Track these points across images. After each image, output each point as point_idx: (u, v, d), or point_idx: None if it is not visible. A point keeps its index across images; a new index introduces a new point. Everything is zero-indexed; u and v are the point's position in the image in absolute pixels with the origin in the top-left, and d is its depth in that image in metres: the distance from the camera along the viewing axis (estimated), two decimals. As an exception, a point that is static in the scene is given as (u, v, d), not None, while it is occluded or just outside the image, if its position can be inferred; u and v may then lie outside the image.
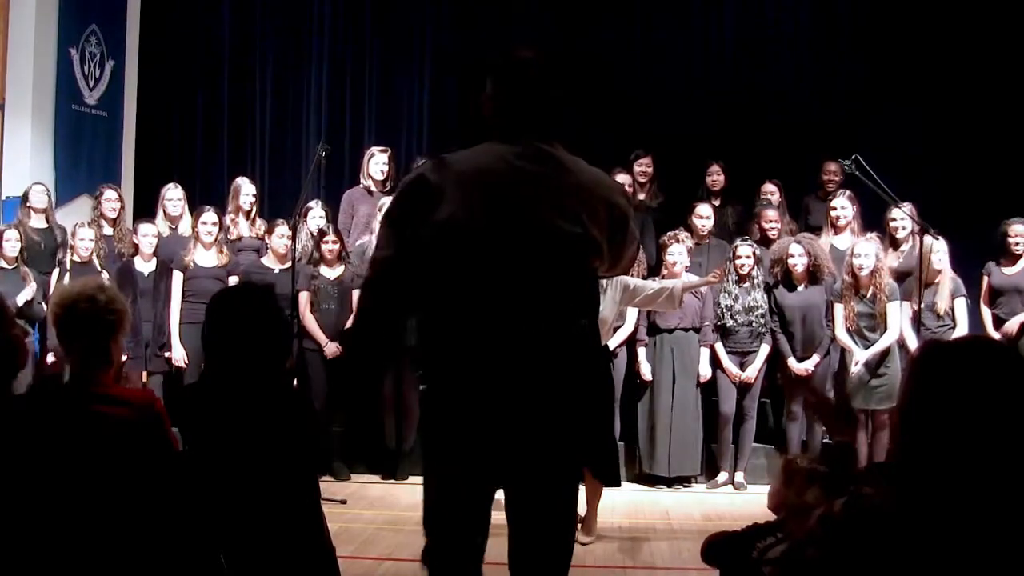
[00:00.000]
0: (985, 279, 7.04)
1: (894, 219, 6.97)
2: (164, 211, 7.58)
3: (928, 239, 6.46)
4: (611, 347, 6.43)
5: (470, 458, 2.63)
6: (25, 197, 7.40)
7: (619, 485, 5.80)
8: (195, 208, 7.58)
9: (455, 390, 2.62)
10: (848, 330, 6.58)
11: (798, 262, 6.77)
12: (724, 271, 6.61)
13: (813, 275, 6.83)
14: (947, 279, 6.71)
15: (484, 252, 2.58)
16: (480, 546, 2.72)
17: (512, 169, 2.62)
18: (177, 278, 7.04)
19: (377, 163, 7.80)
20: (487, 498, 2.69)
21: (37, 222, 7.37)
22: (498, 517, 2.72)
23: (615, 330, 6.47)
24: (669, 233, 6.91)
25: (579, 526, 5.49)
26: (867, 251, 6.51)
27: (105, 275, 6.97)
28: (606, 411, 5.61)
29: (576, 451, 2.73)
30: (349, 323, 3.16)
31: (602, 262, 2.75)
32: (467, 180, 2.59)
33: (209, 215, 7.14)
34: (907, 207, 6.83)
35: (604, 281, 5.16)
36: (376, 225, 7.22)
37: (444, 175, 2.61)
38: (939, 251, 6.63)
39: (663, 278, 6.79)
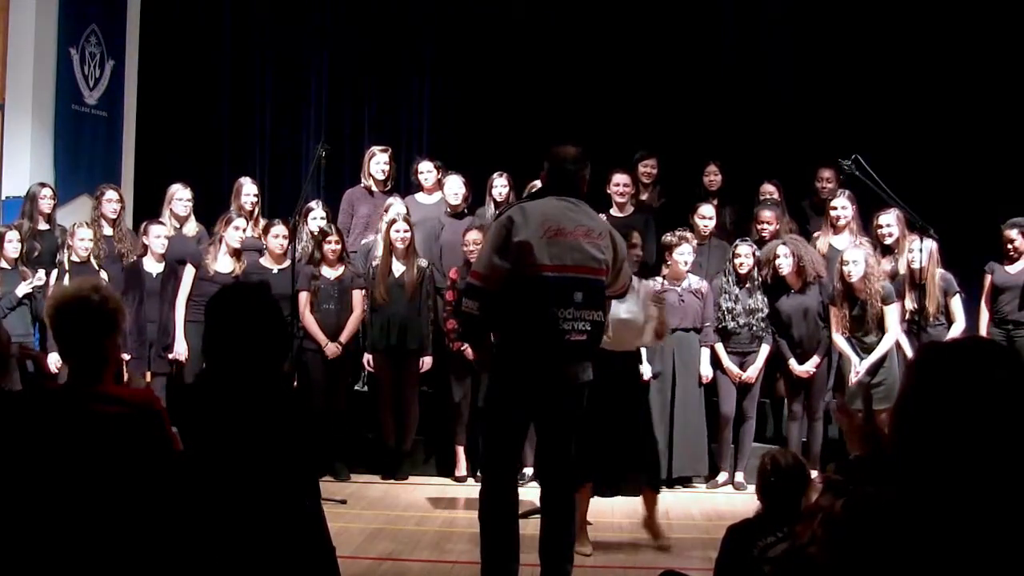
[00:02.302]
0: (988, 277, 7.03)
1: (880, 225, 6.96)
2: (171, 211, 7.55)
3: (916, 239, 6.47)
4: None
5: (520, 392, 4.21)
6: (32, 198, 7.36)
7: (658, 490, 5.57)
8: (197, 209, 7.59)
9: (520, 348, 4.18)
10: (843, 336, 6.59)
11: (783, 264, 6.77)
12: (663, 293, 6.09)
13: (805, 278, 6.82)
14: (936, 278, 6.70)
15: (543, 261, 4.12)
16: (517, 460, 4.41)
17: (561, 214, 4.23)
18: (189, 272, 7.04)
19: (378, 163, 7.80)
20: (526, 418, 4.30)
21: (40, 223, 7.36)
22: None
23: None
24: (677, 233, 6.89)
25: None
26: (856, 257, 6.50)
27: (104, 275, 6.97)
28: (640, 415, 5.54)
29: (582, 399, 4.31)
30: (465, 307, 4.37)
31: (607, 277, 4.29)
32: (536, 217, 4.19)
33: (239, 221, 7.15)
34: (893, 212, 6.83)
35: (635, 283, 5.21)
36: (382, 225, 7.28)
37: (524, 214, 4.20)
38: (914, 250, 6.61)
39: (665, 278, 6.81)
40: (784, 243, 6.87)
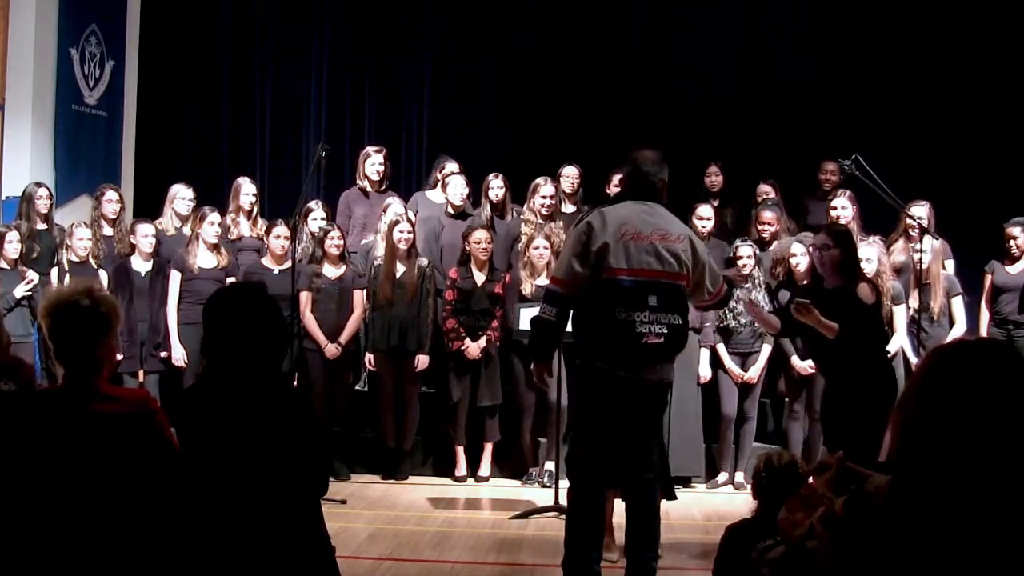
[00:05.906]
0: (988, 277, 7.03)
1: (910, 215, 6.92)
2: (174, 210, 7.54)
3: (925, 239, 6.46)
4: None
5: (612, 402, 4.26)
6: (28, 199, 7.34)
7: (673, 498, 5.32)
8: (196, 209, 7.58)
9: (600, 353, 4.25)
10: None
11: (800, 261, 6.72)
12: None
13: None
14: (940, 279, 6.69)
15: (619, 265, 4.22)
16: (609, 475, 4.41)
17: (638, 218, 4.31)
18: (175, 277, 7.03)
19: (373, 163, 7.78)
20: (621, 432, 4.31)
21: (37, 223, 7.35)
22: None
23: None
24: None
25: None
26: (868, 255, 6.46)
27: (103, 275, 6.97)
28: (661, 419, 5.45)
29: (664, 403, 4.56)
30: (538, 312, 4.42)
31: (688, 282, 4.37)
32: (613, 222, 4.27)
33: (214, 215, 7.13)
34: (925, 206, 6.83)
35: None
36: (381, 225, 7.28)
37: (602, 220, 4.29)
38: (924, 251, 6.60)
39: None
40: (799, 241, 6.83)
